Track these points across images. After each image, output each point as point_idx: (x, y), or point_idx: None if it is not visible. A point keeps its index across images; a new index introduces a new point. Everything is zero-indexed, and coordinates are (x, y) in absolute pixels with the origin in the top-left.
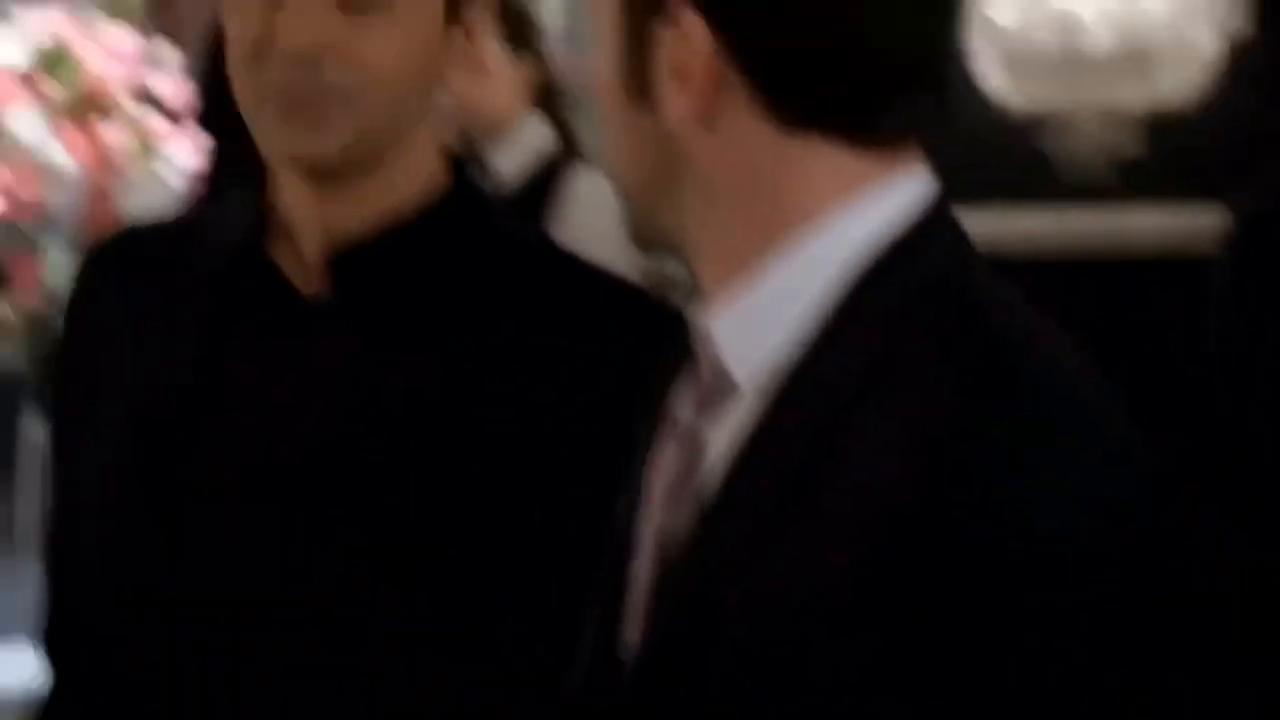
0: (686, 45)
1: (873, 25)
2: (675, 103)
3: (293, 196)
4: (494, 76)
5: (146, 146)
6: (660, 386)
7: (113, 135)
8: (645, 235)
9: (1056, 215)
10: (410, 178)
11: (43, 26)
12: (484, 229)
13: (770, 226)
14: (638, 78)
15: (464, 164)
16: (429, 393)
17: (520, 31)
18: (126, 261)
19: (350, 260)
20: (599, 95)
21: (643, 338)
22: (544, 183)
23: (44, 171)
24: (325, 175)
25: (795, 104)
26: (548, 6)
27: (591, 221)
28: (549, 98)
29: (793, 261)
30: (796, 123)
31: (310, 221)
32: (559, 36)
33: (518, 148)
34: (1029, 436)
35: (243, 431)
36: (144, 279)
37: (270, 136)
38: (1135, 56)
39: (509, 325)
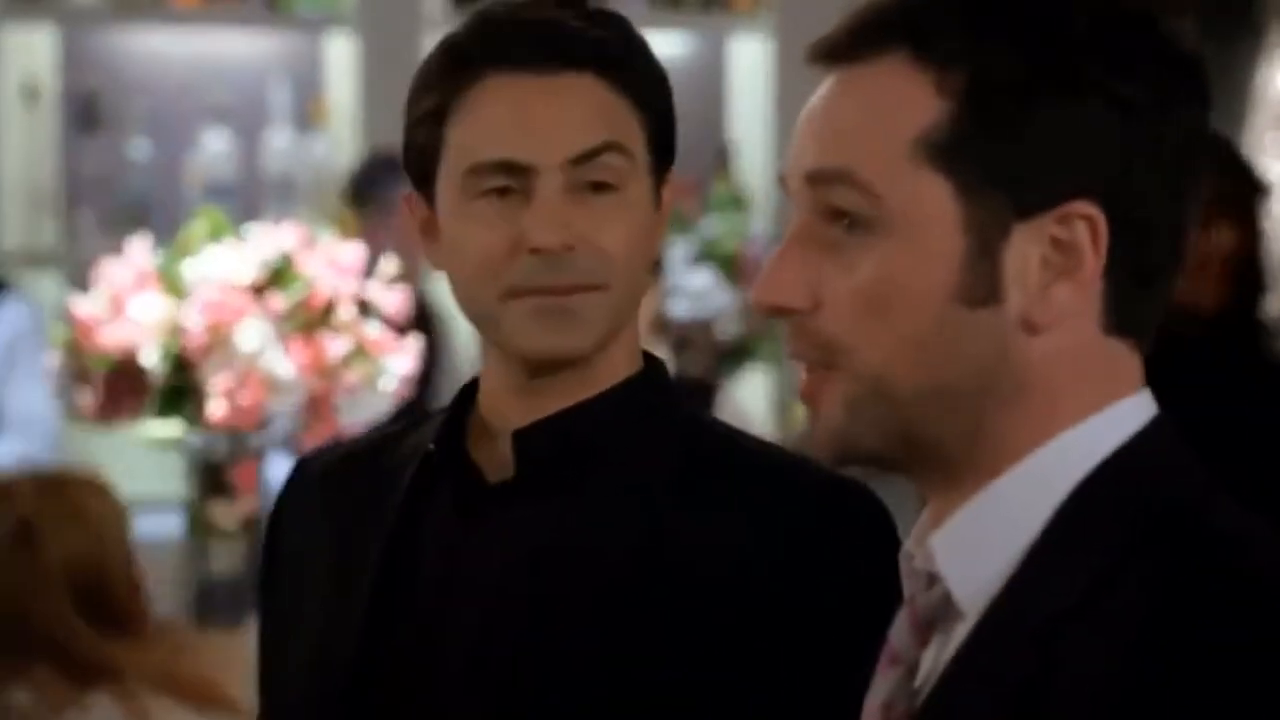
0: (1084, 236)
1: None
2: (1047, 298)
3: (505, 389)
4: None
5: (365, 355)
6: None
7: (333, 345)
8: (879, 447)
9: None
10: (616, 365)
11: (272, 242)
12: (665, 414)
13: (1056, 422)
14: (986, 277)
15: (652, 355)
16: (610, 569)
17: None
18: (330, 473)
19: (529, 438)
20: (884, 303)
21: (842, 522)
22: None
23: (266, 381)
24: (552, 369)
25: (1144, 298)
26: None
27: None
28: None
29: (1030, 477)
30: (1128, 320)
31: (516, 412)
32: None
33: None
34: (1257, 672)
35: (429, 616)
36: (345, 489)
37: (522, 338)
38: None
39: (691, 506)
